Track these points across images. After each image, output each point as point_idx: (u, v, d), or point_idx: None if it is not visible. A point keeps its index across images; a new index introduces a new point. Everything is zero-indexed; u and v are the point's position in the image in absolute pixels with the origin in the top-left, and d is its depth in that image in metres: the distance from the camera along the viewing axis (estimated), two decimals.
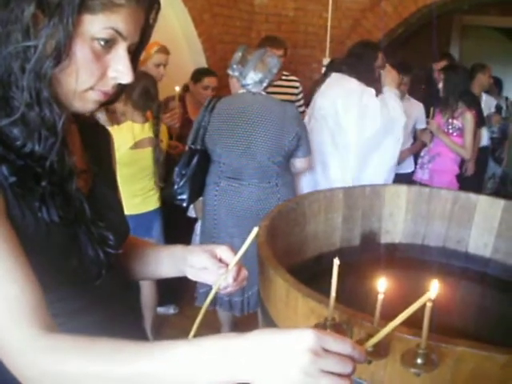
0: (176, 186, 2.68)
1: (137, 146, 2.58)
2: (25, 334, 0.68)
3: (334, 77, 2.95)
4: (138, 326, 1.07)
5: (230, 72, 2.65)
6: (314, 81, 4.26)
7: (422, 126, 3.94)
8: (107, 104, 0.85)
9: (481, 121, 4.28)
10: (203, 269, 0.99)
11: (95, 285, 0.87)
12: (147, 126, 2.65)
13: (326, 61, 4.68)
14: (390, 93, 2.89)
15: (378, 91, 2.88)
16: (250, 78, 2.55)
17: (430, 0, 4.72)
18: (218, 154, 2.61)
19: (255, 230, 0.96)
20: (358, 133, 2.81)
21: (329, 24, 4.94)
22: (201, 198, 2.79)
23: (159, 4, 0.84)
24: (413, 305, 0.71)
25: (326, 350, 0.61)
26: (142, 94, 2.53)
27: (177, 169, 2.68)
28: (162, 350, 0.66)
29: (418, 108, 3.92)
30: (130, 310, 1.02)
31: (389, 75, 2.95)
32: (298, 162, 2.68)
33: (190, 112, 3.53)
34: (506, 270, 2.10)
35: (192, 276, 1.02)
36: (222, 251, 1.00)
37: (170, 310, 3.39)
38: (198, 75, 3.65)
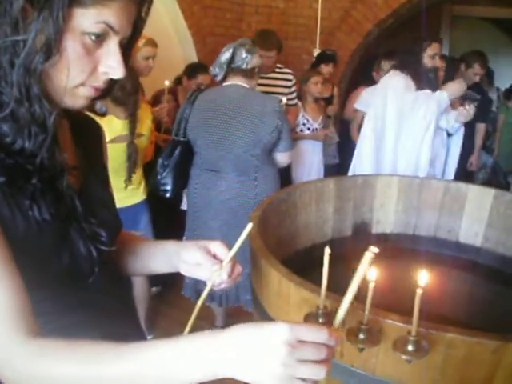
0: (159, 177, 2.69)
1: (115, 140, 2.53)
2: (12, 340, 0.68)
3: (388, 74, 3.08)
4: (133, 321, 1.06)
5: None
6: (302, 72, 4.25)
7: None
8: (98, 99, 0.84)
9: (486, 114, 4.30)
10: (197, 265, 0.98)
11: (88, 282, 0.86)
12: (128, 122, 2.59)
13: (316, 52, 4.68)
14: (439, 96, 2.83)
15: (427, 84, 2.88)
16: (217, 66, 2.58)
17: None
18: (198, 146, 2.63)
19: (249, 225, 0.96)
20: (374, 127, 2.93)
21: (319, 15, 4.93)
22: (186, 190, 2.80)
23: None
24: (359, 267, 0.72)
25: (301, 341, 0.64)
26: (117, 89, 2.44)
27: (160, 160, 2.69)
28: (144, 351, 0.68)
29: None
30: (124, 305, 1.02)
31: (453, 85, 2.92)
32: (279, 156, 2.66)
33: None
34: (496, 258, 2.13)
35: (185, 272, 1.01)
36: (216, 247, 0.99)
37: (152, 289, 3.31)
38: (192, 72, 3.61)
